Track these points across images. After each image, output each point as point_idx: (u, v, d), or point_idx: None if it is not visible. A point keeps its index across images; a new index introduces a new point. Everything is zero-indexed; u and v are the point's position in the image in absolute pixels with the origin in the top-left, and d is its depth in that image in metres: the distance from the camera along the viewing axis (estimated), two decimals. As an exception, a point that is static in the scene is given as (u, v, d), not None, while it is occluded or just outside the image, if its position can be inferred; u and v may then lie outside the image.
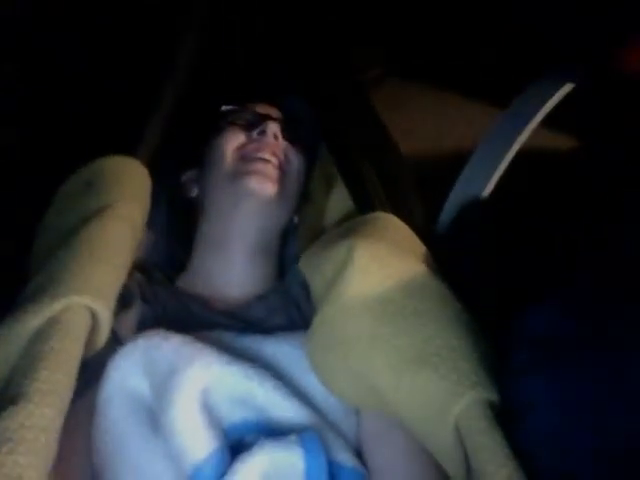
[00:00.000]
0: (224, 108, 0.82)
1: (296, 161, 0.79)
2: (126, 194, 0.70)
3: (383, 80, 0.95)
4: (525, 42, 0.78)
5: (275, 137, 0.77)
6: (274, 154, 0.76)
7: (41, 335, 0.52)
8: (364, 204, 0.74)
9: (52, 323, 0.53)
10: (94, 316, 0.57)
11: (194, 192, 0.82)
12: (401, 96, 0.92)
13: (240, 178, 0.74)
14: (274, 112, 0.82)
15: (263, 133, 0.77)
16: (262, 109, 0.82)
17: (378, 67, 0.98)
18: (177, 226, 0.86)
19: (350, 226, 0.70)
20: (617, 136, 0.66)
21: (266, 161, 0.75)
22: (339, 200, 0.79)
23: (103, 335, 0.59)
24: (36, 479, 0.44)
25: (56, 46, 0.88)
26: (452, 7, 0.88)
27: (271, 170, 0.75)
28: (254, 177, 0.74)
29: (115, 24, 0.91)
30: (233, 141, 0.78)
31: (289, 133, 0.80)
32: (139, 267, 0.76)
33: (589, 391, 0.46)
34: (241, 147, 0.77)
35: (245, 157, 0.76)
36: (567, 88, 0.70)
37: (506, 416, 0.50)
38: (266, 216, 0.76)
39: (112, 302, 0.60)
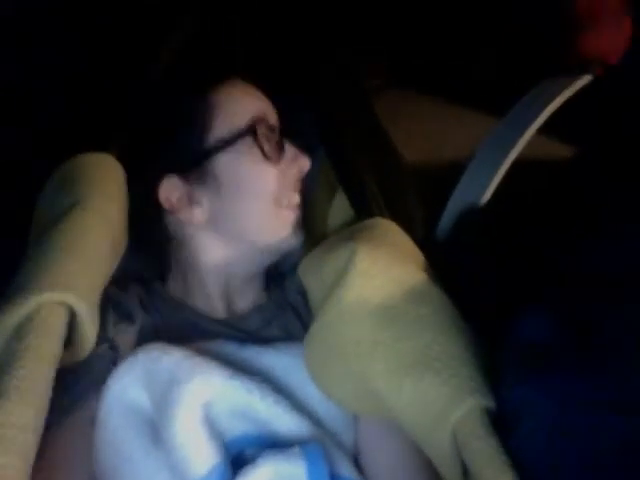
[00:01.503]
0: (250, 124, 0.73)
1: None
2: (96, 188, 0.69)
3: (383, 90, 0.95)
4: (525, 52, 0.78)
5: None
6: (300, 189, 0.76)
7: (18, 333, 0.52)
8: (363, 210, 0.74)
9: (27, 321, 0.53)
10: (74, 311, 0.57)
11: (199, 217, 0.73)
12: (400, 106, 0.92)
13: (280, 225, 0.73)
14: (274, 119, 0.77)
15: (298, 169, 0.75)
16: (276, 123, 0.76)
17: (378, 77, 0.98)
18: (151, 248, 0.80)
19: (350, 232, 0.70)
20: (610, 143, 0.66)
21: (299, 205, 0.75)
22: (341, 206, 0.79)
23: (88, 331, 0.58)
24: (16, 479, 0.44)
25: (56, 46, 0.88)
26: (451, 15, 0.88)
27: (299, 213, 0.76)
28: (292, 228, 0.74)
29: (115, 24, 0.91)
30: (272, 179, 0.72)
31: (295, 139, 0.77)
32: (137, 278, 0.76)
33: (587, 399, 0.46)
34: (275, 184, 0.73)
35: (281, 203, 0.73)
36: (568, 93, 0.70)
37: (502, 424, 0.51)
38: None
39: (90, 294, 0.59)
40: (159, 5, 0.91)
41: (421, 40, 0.93)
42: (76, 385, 0.60)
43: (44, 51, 0.88)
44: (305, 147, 0.77)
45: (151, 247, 0.79)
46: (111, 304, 0.68)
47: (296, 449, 0.56)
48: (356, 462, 0.64)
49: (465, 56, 0.88)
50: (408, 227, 0.70)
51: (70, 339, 0.59)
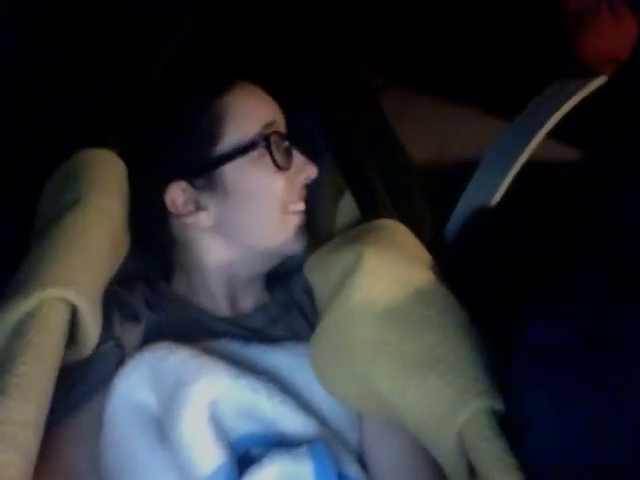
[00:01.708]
0: (262, 133, 0.71)
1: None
2: (97, 184, 0.68)
3: (386, 90, 0.95)
4: (526, 52, 0.78)
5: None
6: (305, 197, 0.76)
7: (19, 330, 0.52)
8: (370, 211, 0.74)
9: (28, 318, 0.52)
10: (75, 308, 0.56)
11: (205, 222, 0.72)
12: (403, 106, 0.92)
13: (286, 231, 0.73)
14: (283, 124, 0.76)
15: (305, 177, 0.74)
16: (284, 129, 0.75)
17: (379, 77, 0.98)
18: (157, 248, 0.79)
19: (357, 232, 0.71)
20: (612, 144, 0.67)
21: (303, 212, 0.75)
22: (348, 207, 0.79)
23: (90, 327, 0.58)
24: (17, 477, 0.44)
25: (56, 46, 0.88)
26: (452, 15, 0.88)
27: (303, 218, 0.75)
28: (297, 234, 0.74)
29: (115, 24, 0.91)
30: (280, 188, 0.72)
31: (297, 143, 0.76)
32: (143, 278, 0.76)
33: (589, 405, 0.46)
34: (283, 192, 0.72)
35: (288, 210, 0.73)
36: (579, 97, 0.69)
37: (510, 426, 0.51)
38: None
39: (91, 291, 0.59)
40: (159, 5, 0.91)
41: (421, 40, 0.93)
42: (82, 384, 0.60)
43: (44, 51, 0.88)
44: (312, 151, 0.77)
45: (155, 248, 0.78)
46: (117, 303, 0.67)
47: (303, 448, 0.56)
48: (361, 461, 0.64)
49: (465, 56, 0.88)
50: (416, 228, 0.70)
51: (74, 337, 0.58)
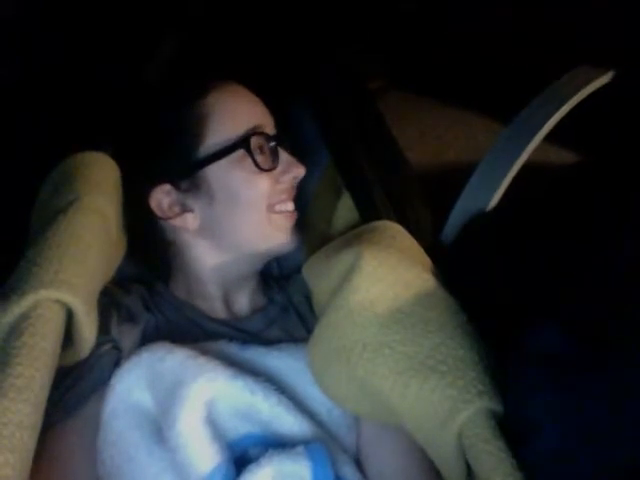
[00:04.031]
0: (244, 135, 0.71)
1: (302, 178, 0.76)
2: (92, 186, 0.68)
3: (385, 92, 0.95)
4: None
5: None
6: (294, 197, 0.76)
7: (14, 331, 0.52)
8: (369, 213, 0.74)
9: (23, 319, 0.53)
10: (71, 310, 0.57)
11: (192, 224, 0.72)
12: (402, 109, 0.92)
13: (273, 231, 0.73)
14: (270, 125, 0.75)
15: (293, 180, 0.74)
16: (272, 130, 0.75)
17: (380, 79, 0.98)
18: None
19: (357, 233, 0.71)
20: (621, 152, 0.66)
21: (293, 211, 0.75)
22: (347, 208, 0.79)
23: (86, 328, 0.58)
24: (12, 477, 0.44)
25: (48, 41, 0.88)
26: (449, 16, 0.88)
27: (294, 218, 0.75)
28: (285, 233, 0.73)
29: (114, 24, 0.91)
30: (265, 188, 0.71)
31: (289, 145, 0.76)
32: (140, 280, 0.76)
33: (592, 411, 0.46)
34: (269, 192, 0.72)
35: (275, 210, 0.73)
36: (581, 96, 0.69)
37: (512, 435, 0.51)
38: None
39: (86, 292, 0.59)
40: (158, 5, 0.91)
41: (422, 41, 0.93)
42: (80, 385, 0.61)
43: (44, 51, 0.88)
44: (306, 149, 0.77)
45: (152, 251, 0.78)
46: (114, 305, 0.68)
47: (300, 449, 0.56)
48: (357, 463, 0.64)
49: (465, 57, 0.88)
50: (414, 230, 0.71)
51: (71, 338, 0.59)
